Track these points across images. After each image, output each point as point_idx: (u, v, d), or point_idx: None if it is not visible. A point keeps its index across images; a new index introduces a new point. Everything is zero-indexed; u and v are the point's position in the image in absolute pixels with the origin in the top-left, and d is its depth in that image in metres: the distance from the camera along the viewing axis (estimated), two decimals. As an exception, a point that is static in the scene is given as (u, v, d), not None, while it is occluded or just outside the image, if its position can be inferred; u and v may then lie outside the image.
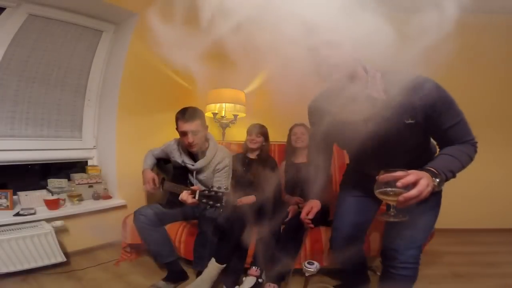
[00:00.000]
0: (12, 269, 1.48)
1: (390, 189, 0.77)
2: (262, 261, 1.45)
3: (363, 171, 1.12)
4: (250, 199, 1.79)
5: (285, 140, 2.02)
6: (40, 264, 1.56)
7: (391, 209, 0.81)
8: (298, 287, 1.48)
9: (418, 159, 0.90)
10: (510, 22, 2.35)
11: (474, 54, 2.37)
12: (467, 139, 0.91)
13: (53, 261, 1.60)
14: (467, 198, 2.33)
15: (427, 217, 1.01)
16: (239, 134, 2.64)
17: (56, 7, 1.94)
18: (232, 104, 2.67)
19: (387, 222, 0.96)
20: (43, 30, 1.95)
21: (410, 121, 0.90)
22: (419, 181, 0.74)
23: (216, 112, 2.69)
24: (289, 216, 1.67)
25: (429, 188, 0.75)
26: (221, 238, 1.48)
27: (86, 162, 2.25)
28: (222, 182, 1.58)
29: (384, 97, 0.89)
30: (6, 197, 1.72)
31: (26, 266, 1.52)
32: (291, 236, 1.52)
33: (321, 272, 1.43)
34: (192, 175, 1.65)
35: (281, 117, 2.68)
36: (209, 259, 1.43)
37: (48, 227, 1.61)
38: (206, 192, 1.30)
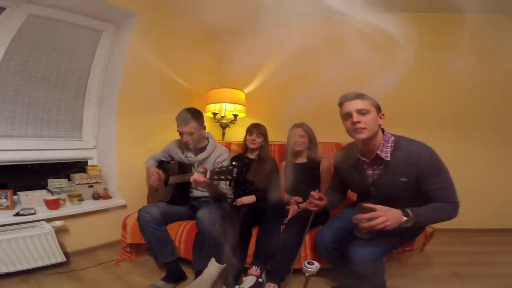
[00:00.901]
0: (12, 269, 1.48)
1: (358, 217, 1.06)
2: (262, 261, 1.45)
3: None
4: (250, 199, 1.79)
5: (285, 140, 2.02)
6: (40, 264, 1.56)
7: (364, 230, 1.08)
8: (298, 287, 1.48)
9: (411, 205, 1.11)
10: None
11: (476, 55, 2.38)
12: (450, 201, 1.12)
13: (53, 261, 1.60)
14: (467, 198, 2.31)
15: (391, 239, 1.17)
16: (239, 134, 2.64)
17: (56, 7, 1.95)
18: (232, 104, 2.67)
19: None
20: (43, 30, 1.95)
21: (404, 180, 1.15)
22: (376, 218, 1.01)
23: (216, 112, 2.69)
24: (289, 215, 1.67)
25: (388, 223, 1.00)
26: (221, 237, 1.49)
27: (86, 162, 2.25)
28: None
29: (389, 159, 1.16)
30: (6, 197, 1.72)
31: (26, 266, 1.52)
32: (291, 235, 1.52)
33: (321, 272, 1.43)
34: (194, 167, 1.73)
35: (281, 117, 2.69)
36: (208, 259, 1.44)
37: (48, 227, 1.61)
38: (217, 169, 1.39)
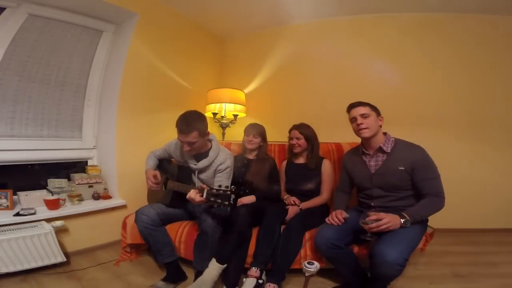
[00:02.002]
0: (12, 269, 1.48)
1: (366, 220, 1.26)
2: (262, 261, 1.45)
3: (364, 200, 1.55)
4: (249, 199, 1.79)
5: (285, 140, 2.03)
6: (40, 264, 1.56)
7: (368, 233, 1.28)
8: (298, 287, 1.48)
9: (403, 199, 1.39)
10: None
11: (475, 56, 2.38)
12: (437, 192, 1.33)
13: (53, 261, 1.61)
14: (467, 198, 2.33)
15: (410, 236, 1.26)
16: (239, 134, 2.64)
17: (56, 7, 1.95)
18: (232, 104, 2.67)
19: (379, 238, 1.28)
20: (43, 30, 1.95)
21: (401, 168, 1.37)
22: (381, 220, 1.22)
23: (216, 112, 2.69)
24: (289, 216, 1.67)
25: (390, 224, 1.21)
26: (222, 238, 1.49)
27: (86, 162, 2.25)
28: (223, 182, 1.57)
29: (389, 151, 1.43)
30: (6, 197, 1.72)
31: (26, 266, 1.52)
32: (291, 236, 1.52)
33: (321, 272, 1.43)
34: (194, 174, 1.66)
35: (281, 117, 2.69)
36: (210, 259, 1.43)
37: (48, 227, 1.61)
38: (214, 191, 1.33)
